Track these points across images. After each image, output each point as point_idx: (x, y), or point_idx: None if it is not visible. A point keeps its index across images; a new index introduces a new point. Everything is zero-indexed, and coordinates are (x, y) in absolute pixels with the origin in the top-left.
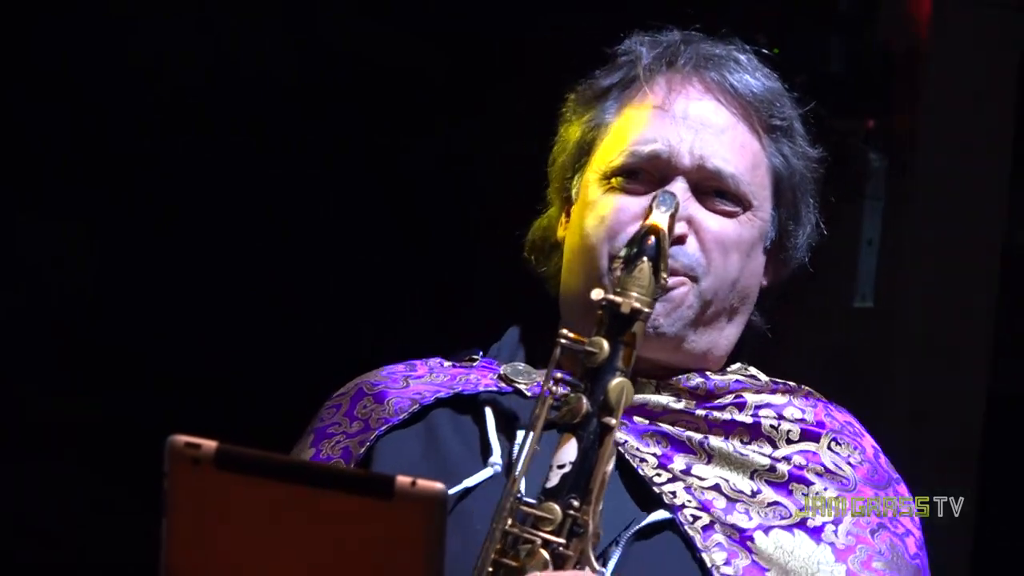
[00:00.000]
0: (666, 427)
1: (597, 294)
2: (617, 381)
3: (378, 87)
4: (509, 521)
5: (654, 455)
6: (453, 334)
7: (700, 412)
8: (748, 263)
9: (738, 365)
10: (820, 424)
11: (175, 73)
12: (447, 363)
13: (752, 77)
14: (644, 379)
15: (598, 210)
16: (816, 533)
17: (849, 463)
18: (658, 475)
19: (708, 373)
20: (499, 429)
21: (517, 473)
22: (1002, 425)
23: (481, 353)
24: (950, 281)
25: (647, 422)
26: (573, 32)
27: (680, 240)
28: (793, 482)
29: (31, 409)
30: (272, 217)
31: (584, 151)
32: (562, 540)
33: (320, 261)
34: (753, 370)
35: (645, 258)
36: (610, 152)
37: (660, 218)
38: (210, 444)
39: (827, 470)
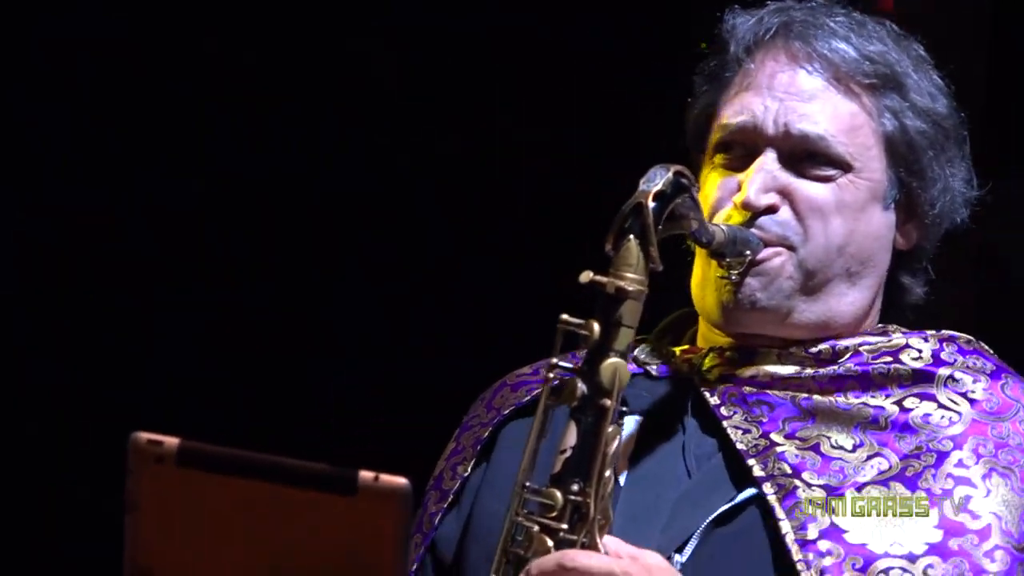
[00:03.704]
0: (773, 394)
1: (585, 276)
2: (609, 362)
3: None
4: (519, 511)
5: (758, 423)
6: None
7: (809, 373)
8: (857, 225)
9: (881, 326)
10: (938, 361)
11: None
12: None
13: (844, 41)
14: (765, 349)
15: (705, 191)
16: (913, 480)
17: (966, 396)
18: (756, 446)
19: (835, 341)
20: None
21: (523, 463)
22: None
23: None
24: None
25: (756, 391)
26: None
27: (772, 210)
28: (895, 431)
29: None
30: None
31: (702, 133)
32: (564, 525)
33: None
34: (893, 329)
35: (631, 236)
36: (712, 133)
37: (643, 193)
38: (172, 441)
39: (940, 406)
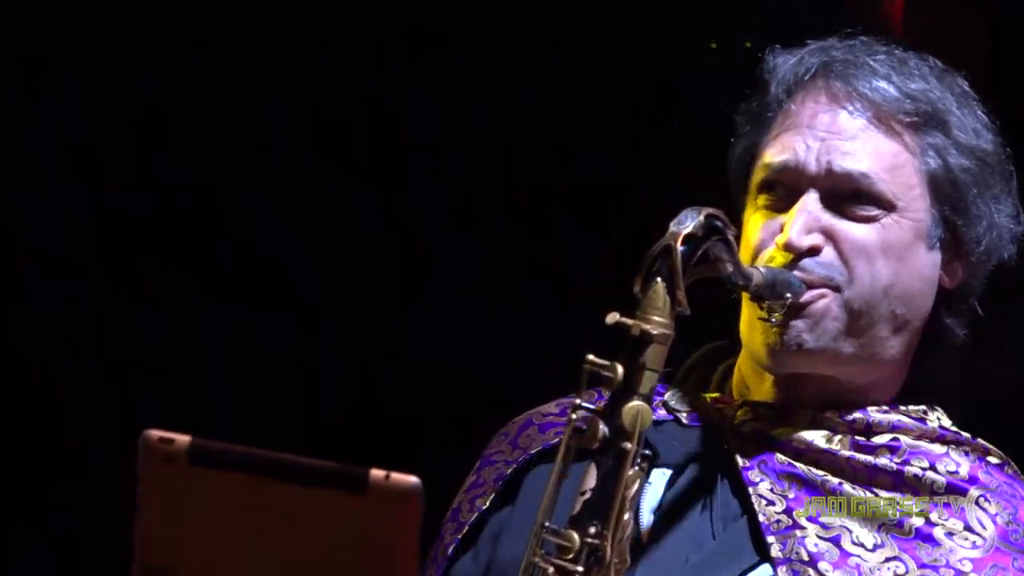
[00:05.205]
0: (803, 469)
1: (611, 318)
2: (631, 405)
3: None
4: (536, 551)
5: (783, 498)
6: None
7: (844, 454)
8: (903, 266)
9: (922, 408)
10: (973, 479)
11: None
12: None
13: (885, 80)
14: (801, 409)
15: (747, 233)
16: None
17: (994, 522)
18: (778, 522)
19: (871, 409)
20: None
21: (544, 502)
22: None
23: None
24: None
25: (787, 461)
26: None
27: (814, 251)
28: (918, 540)
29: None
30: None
31: (745, 173)
32: (580, 568)
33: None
34: (936, 414)
35: (659, 279)
36: (755, 174)
37: (673, 235)
38: (183, 439)
39: (967, 527)
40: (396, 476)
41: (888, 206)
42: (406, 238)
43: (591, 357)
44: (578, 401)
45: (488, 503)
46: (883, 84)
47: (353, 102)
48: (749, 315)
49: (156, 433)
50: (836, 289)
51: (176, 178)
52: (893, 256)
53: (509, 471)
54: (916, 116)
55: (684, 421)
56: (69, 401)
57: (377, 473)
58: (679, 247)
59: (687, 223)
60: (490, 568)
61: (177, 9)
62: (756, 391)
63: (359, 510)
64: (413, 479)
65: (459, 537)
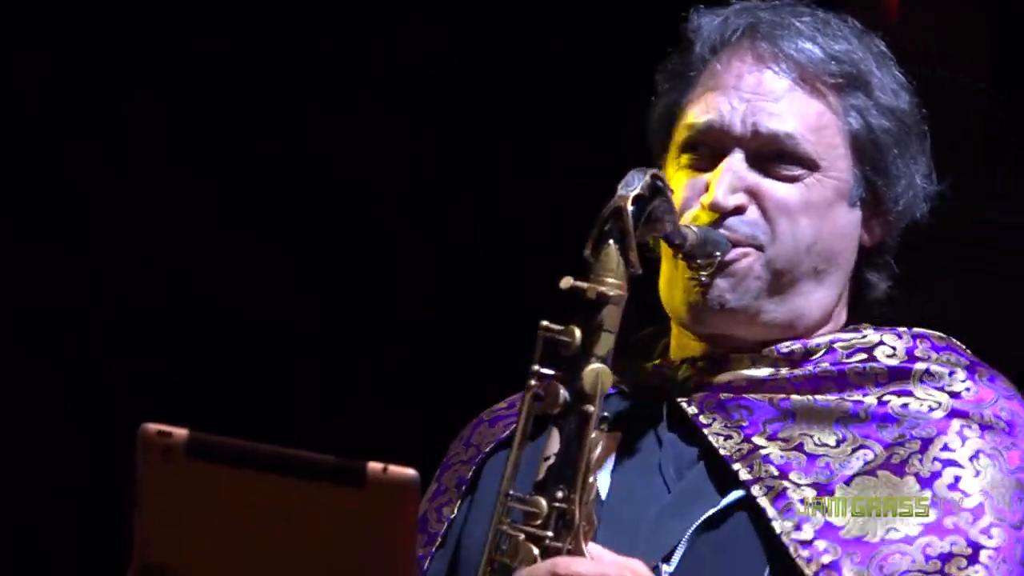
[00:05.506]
0: (751, 398)
1: (565, 282)
2: (591, 368)
3: None
4: (503, 519)
5: (739, 428)
6: None
7: (785, 374)
8: (824, 224)
9: (851, 327)
10: (911, 356)
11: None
12: None
13: (810, 42)
14: (737, 354)
15: None
16: (900, 467)
17: (944, 390)
18: (739, 450)
19: (806, 339)
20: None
21: (507, 471)
22: None
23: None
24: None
25: (733, 396)
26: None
27: (739, 210)
28: (877, 422)
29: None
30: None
31: (666, 132)
32: (549, 533)
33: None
34: (865, 327)
35: (611, 240)
36: (677, 133)
37: (623, 197)
38: (181, 432)
39: (919, 398)
40: (394, 469)
41: (812, 166)
42: (406, 238)
43: (545, 323)
44: (536, 367)
45: (456, 511)
46: (809, 45)
47: (353, 102)
48: (669, 274)
49: (154, 426)
50: (759, 248)
51: (176, 178)
52: (815, 215)
53: (468, 474)
54: (840, 77)
55: (627, 390)
56: (69, 401)
57: (375, 466)
58: (629, 208)
59: (635, 184)
60: (457, 555)
61: (177, 9)
62: (690, 350)
63: (357, 503)
64: (410, 471)
65: (432, 550)
